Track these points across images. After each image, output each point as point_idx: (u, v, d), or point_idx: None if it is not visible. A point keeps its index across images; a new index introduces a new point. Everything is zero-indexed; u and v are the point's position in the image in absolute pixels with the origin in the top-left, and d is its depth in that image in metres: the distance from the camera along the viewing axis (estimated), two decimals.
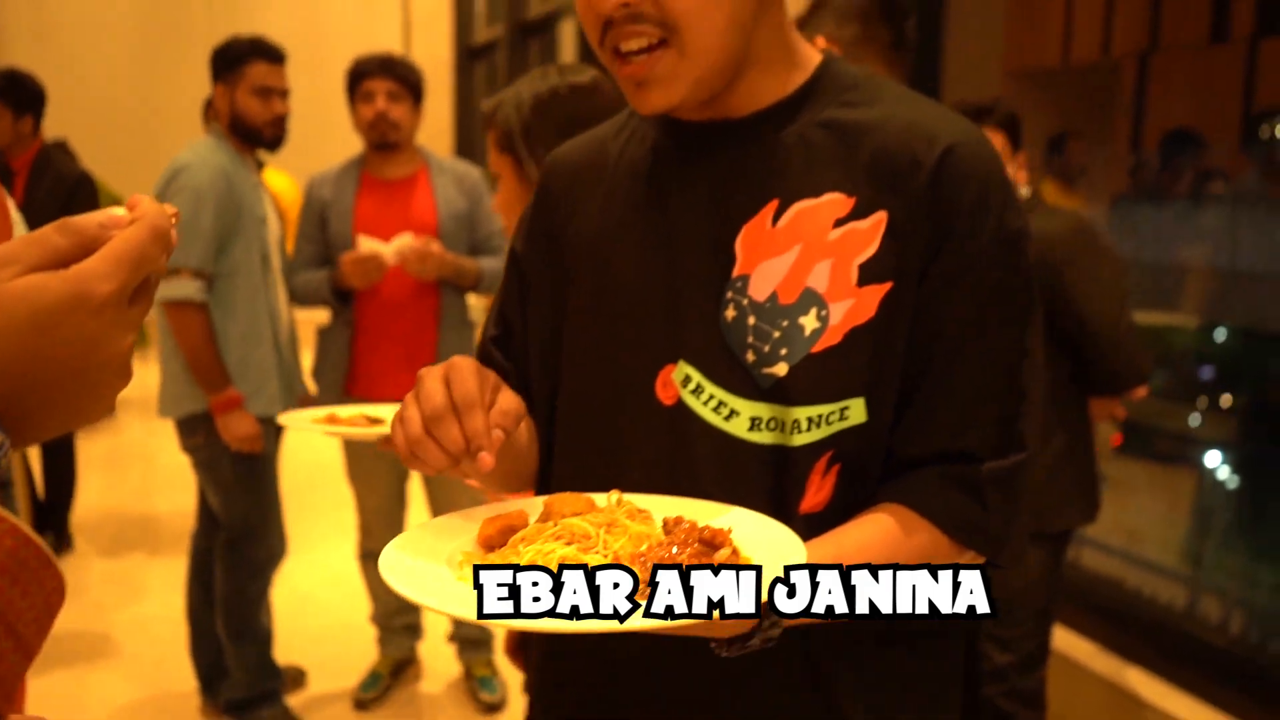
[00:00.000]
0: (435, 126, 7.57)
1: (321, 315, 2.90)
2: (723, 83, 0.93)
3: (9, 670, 0.46)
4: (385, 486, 2.97)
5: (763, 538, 0.78)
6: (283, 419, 1.77)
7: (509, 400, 0.86)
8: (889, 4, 1.76)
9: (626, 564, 0.73)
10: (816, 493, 0.92)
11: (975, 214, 0.90)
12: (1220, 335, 3.39)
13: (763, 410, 0.92)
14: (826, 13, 1.76)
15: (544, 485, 1.07)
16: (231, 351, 2.64)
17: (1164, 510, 3.49)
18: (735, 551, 0.75)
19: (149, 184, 8.55)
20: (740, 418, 0.93)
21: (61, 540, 4.18)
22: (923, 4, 3.63)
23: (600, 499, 0.85)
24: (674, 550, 0.74)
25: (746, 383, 0.93)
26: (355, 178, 2.90)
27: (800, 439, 0.91)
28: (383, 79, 2.82)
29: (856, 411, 0.91)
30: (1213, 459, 3.36)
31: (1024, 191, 2.33)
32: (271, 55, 2.75)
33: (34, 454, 3.78)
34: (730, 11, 0.89)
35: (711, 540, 0.75)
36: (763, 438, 0.92)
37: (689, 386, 0.95)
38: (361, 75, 2.86)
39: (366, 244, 2.76)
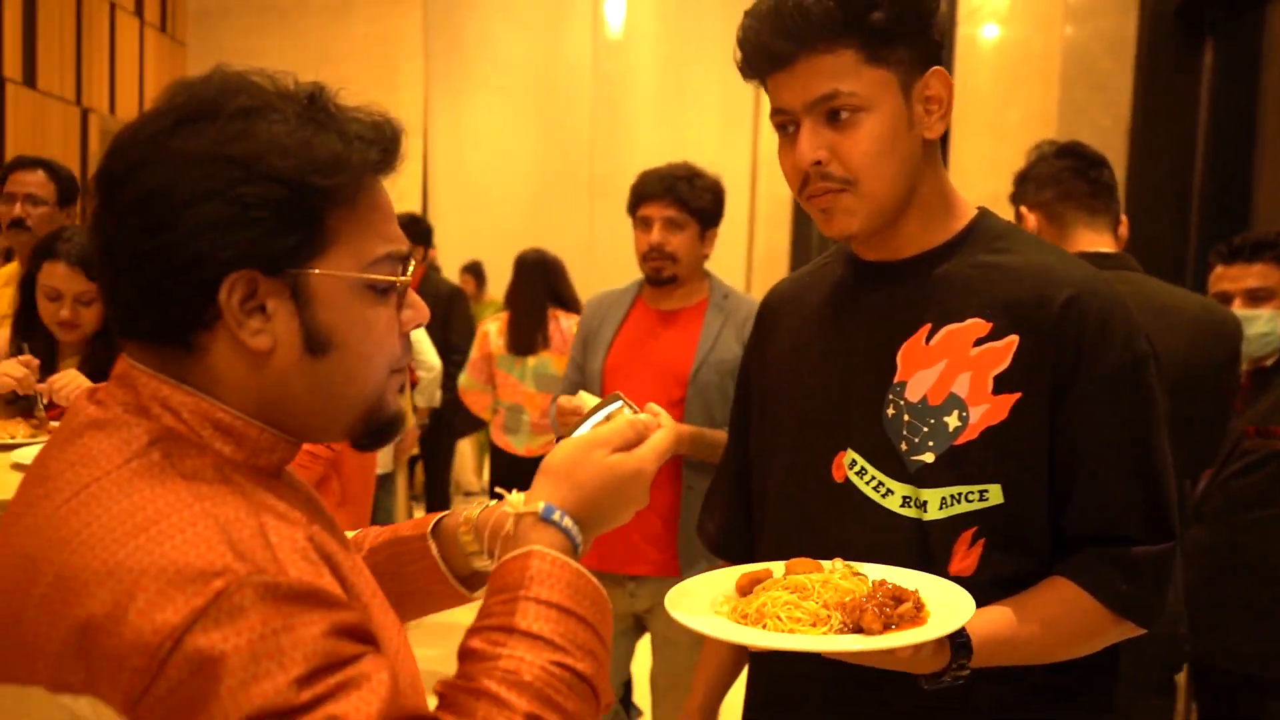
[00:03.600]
0: (774, 255, 8.24)
1: None
2: (892, 217, 1.13)
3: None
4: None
5: (943, 598, 1.00)
6: None
7: None
8: (1078, 161, 1.95)
9: (832, 609, 0.98)
10: (963, 559, 1.11)
11: (1099, 343, 1.08)
12: None
13: (910, 490, 1.12)
14: (1028, 184, 1.99)
15: (757, 544, 1.30)
16: None
17: None
18: (917, 605, 0.98)
19: None
20: (894, 496, 1.13)
21: None
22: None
23: (826, 564, 1.07)
24: (864, 600, 0.98)
25: (899, 468, 1.13)
26: (627, 305, 2.52)
27: (936, 514, 1.10)
28: (662, 203, 2.42)
29: (994, 495, 1.10)
30: None
31: None
32: None
33: None
34: (898, 164, 1.11)
35: (898, 596, 0.99)
36: (910, 513, 1.12)
37: (854, 469, 1.15)
38: (640, 198, 2.48)
39: (577, 400, 1.95)
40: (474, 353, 3.98)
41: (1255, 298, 2.34)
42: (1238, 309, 2.31)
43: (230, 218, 0.73)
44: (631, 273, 2.62)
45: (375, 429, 0.84)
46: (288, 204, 0.74)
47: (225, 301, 0.75)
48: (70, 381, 2.15)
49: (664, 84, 8.99)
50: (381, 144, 0.80)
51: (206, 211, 0.72)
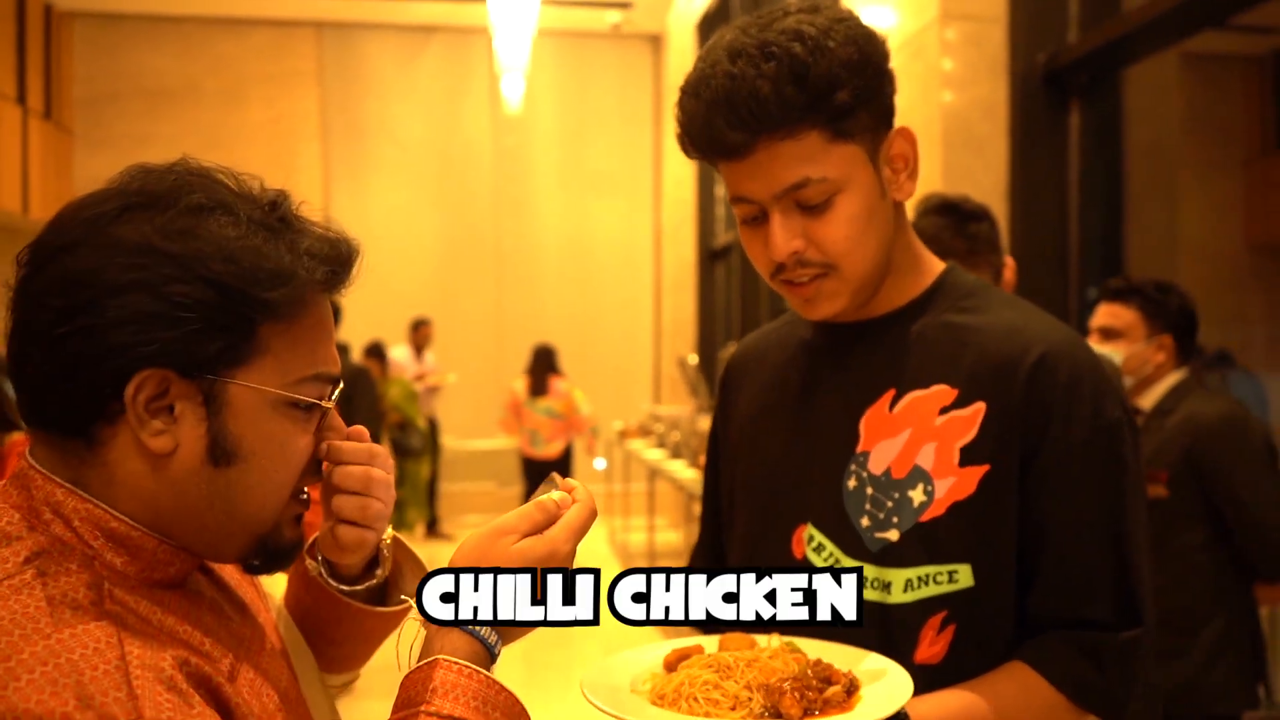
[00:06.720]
0: (681, 319, 8.34)
1: None
2: (874, 289, 1.08)
3: None
4: None
5: (883, 681, 0.93)
6: None
7: None
8: (955, 218, 1.89)
9: (754, 691, 0.91)
10: (930, 646, 1.03)
11: (1069, 408, 1.02)
12: None
13: (870, 571, 1.04)
14: None
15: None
16: None
17: None
18: (849, 689, 0.91)
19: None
20: None
21: None
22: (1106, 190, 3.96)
23: (762, 640, 0.99)
24: (787, 681, 0.90)
25: (859, 545, 1.05)
26: None
27: (901, 597, 1.03)
28: None
29: (964, 577, 1.02)
30: None
31: (1178, 375, 2.39)
32: None
33: None
34: (877, 239, 1.04)
35: (829, 678, 0.92)
36: (871, 595, 1.04)
37: (812, 544, 1.08)
38: None
39: None
40: (508, 399, 7.12)
41: (1106, 335, 2.42)
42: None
43: (155, 314, 0.71)
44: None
45: (268, 553, 0.81)
46: (219, 309, 0.72)
47: (130, 397, 0.72)
48: None
49: (565, 157, 9.26)
50: (333, 263, 0.78)
51: (132, 303, 0.71)
